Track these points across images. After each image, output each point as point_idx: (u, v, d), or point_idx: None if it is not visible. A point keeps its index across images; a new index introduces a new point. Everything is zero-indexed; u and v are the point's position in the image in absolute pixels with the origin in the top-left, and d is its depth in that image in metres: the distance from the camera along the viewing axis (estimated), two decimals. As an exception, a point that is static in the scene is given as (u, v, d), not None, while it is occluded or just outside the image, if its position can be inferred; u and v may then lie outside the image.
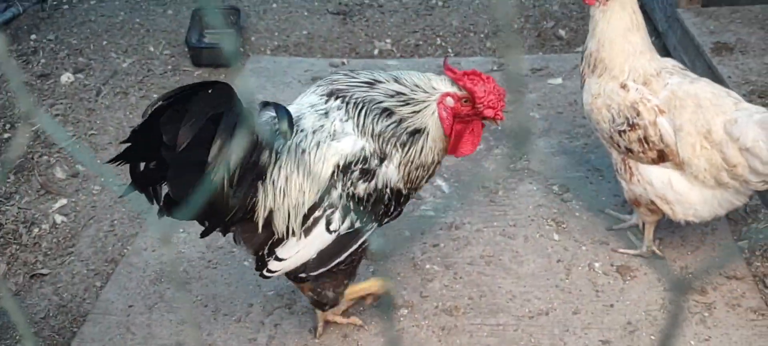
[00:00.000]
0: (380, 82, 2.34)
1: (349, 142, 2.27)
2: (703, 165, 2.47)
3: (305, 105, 2.37)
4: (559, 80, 4.20)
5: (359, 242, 2.35)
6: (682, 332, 2.59)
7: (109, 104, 4.25)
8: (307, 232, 2.27)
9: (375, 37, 4.94)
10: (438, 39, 4.90)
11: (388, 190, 2.31)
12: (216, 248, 3.10)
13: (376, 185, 2.28)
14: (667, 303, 2.71)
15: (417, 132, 2.30)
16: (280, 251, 2.30)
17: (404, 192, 2.36)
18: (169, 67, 4.61)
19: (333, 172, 2.26)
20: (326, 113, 2.32)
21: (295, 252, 2.29)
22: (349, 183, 2.26)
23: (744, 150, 2.36)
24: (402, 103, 2.29)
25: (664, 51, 4.28)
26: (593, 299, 2.76)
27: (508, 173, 3.43)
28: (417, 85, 2.30)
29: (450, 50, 4.76)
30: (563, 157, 3.57)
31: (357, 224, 2.30)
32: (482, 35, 4.90)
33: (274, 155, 2.26)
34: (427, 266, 2.96)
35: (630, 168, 2.66)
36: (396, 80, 2.33)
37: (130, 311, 2.82)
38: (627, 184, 2.72)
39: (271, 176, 2.25)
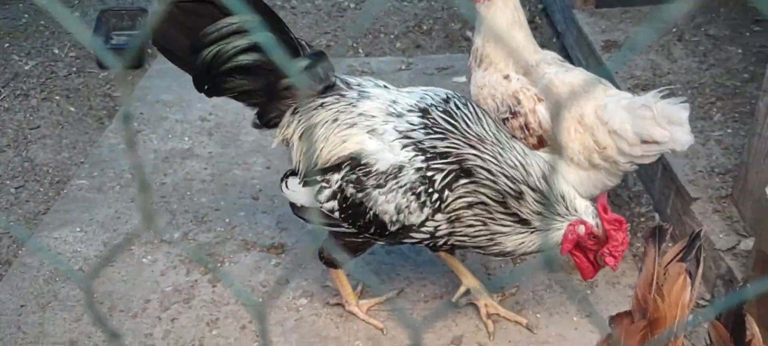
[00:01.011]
0: (522, 167, 2.22)
1: (375, 146, 2.24)
2: (578, 148, 2.62)
3: (388, 97, 2.33)
4: (463, 78, 4.34)
5: (334, 229, 2.40)
6: (566, 309, 2.74)
7: (9, 107, 4.14)
8: (305, 183, 2.40)
9: (287, 39, 4.97)
10: (349, 40, 4.98)
11: (371, 213, 2.26)
12: (114, 247, 3.07)
13: (362, 200, 2.25)
14: (553, 284, 2.85)
15: (522, 222, 2.24)
16: (290, 179, 2.47)
17: (390, 229, 2.28)
18: (74, 69, 4.52)
19: (346, 158, 2.26)
20: (393, 115, 2.28)
21: (293, 191, 2.46)
22: (346, 178, 2.26)
23: (612, 133, 2.52)
24: (537, 202, 2.21)
25: (563, 50, 4.48)
26: (485, 281, 2.87)
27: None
28: (563, 197, 2.23)
29: (361, 51, 4.85)
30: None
31: (335, 215, 2.34)
32: (392, 36, 5.01)
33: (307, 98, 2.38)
34: (327, 257, 3.01)
35: (514, 154, 2.79)
36: (545, 179, 2.22)
37: (22, 311, 2.76)
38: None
39: (300, 114, 2.37)
